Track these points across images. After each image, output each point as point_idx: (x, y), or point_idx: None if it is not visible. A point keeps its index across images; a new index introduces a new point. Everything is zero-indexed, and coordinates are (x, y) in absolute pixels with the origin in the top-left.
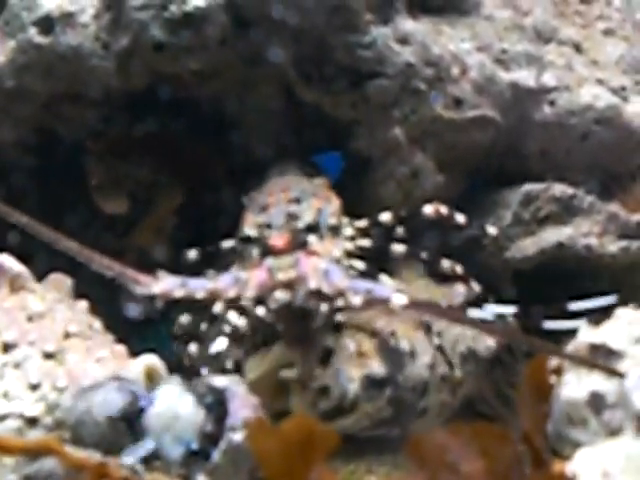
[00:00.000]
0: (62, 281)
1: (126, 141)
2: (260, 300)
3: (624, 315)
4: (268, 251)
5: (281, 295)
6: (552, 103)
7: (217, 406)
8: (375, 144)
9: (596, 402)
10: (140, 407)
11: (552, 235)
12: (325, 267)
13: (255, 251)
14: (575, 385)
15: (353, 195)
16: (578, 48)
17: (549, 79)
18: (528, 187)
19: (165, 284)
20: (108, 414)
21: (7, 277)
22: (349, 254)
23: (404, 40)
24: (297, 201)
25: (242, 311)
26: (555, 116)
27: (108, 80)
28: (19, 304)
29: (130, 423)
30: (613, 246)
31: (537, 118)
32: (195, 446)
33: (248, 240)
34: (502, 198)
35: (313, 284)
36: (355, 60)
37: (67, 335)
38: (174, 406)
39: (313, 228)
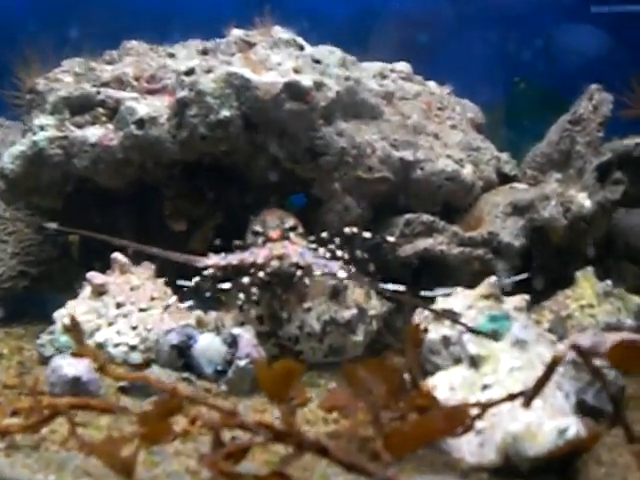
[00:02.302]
0: (149, 266)
1: (184, 189)
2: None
3: (460, 292)
4: (268, 239)
5: (275, 263)
6: (422, 169)
7: (233, 344)
8: (324, 191)
9: (445, 341)
10: (190, 343)
11: (421, 243)
12: (300, 250)
13: (260, 240)
14: (434, 331)
15: (311, 219)
16: (437, 137)
17: (420, 155)
18: (408, 216)
19: (213, 259)
20: (172, 344)
21: (118, 265)
22: None
23: (340, 134)
24: (282, 219)
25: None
26: (423, 176)
27: (174, 155)
28: (125, 280)
29: (183, 351)
30: (455, 250)
31: (413, 177)
32: (220, 367)
33: (256, 234)
34: (394, 221)
35: (294, 259)
36: (314, 145)
37: (152, 298)
38: (209, 343)
39: (293, 229)
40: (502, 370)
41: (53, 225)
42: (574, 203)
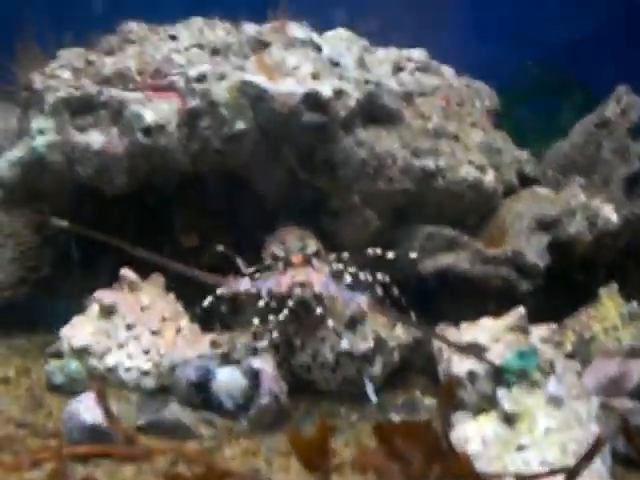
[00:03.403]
0: (158, 279)
1: (195, 201)
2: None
3: (485, 322)
4: (289, 264)
5: (298, 291)
6: (444, 177)
7: (254, 378)
8: (342, 204)
9: (471, 376)
10: (209, 378)
11: (443, 260)
12: (324, 279)
13: (280, 265)
14: (459, 364)
15: (329, 232)
16: (457, 138)
17: (441, 163)
18: (429, 229)
19: (244, 284)
20: (190, 381)
21: (127, 282)
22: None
23: (360, 144)
24: (301, 239)
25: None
26: (445, 185)
27: (185, 167)
28: (135, 299)
29: (202, 387)
30: (478, 269)
31: (435, 186)
32: (240, 401)
33: (276, 258)
34: (414, 233)
35: (317, 289)
36: (333, 157)
37: (164, 319)
38: (229, 378)
39: (317, 254)
40: (538, 430)
41: (64, 223)
42: (600, 217)
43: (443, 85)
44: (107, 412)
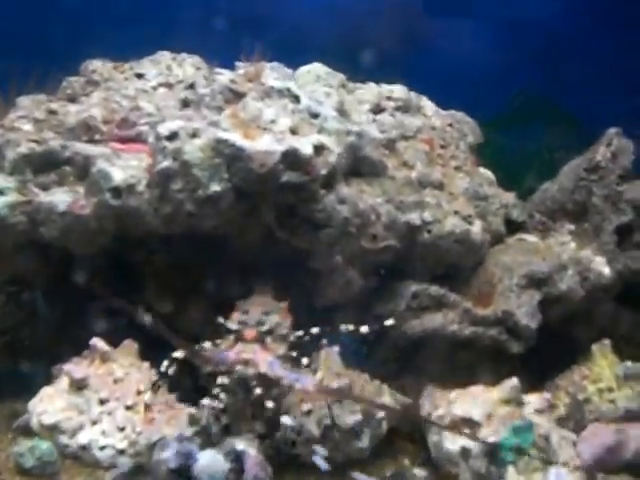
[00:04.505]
0: (132, 346)
1: (168, 263)
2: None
3: (478, 394)
4: (240, 339)
5: (240, 369)
6: (429, 232)
7: (237, 462)
8: (324, 265)
9: (465, 453)
10: (189, 463)
11: (430, 321)
12: (270, 360)
13: (232, 337)
14: (451, 441)
15: (312, 293)
16: (441, 186)
17: (427, 216)
18: (415, 287)
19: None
20: (170, 467)
21: (99, 353)
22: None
23: (342, 201)
24: (266, 314)
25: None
26: (430, 239)
27: (156, 228)
28: (107, 371)
29: (182, 473)
30: (467, 331)
31: (420, 241)
32: None
33: (229, 331)
34: (399, 290)
35: (262, 368)
36: (314, 217)
37: (139, 392)
38: (211, 462)
39: (270, 332)
40: None
41: (148, 318)
42: (592, 271)
43: (425, 126)
44: None
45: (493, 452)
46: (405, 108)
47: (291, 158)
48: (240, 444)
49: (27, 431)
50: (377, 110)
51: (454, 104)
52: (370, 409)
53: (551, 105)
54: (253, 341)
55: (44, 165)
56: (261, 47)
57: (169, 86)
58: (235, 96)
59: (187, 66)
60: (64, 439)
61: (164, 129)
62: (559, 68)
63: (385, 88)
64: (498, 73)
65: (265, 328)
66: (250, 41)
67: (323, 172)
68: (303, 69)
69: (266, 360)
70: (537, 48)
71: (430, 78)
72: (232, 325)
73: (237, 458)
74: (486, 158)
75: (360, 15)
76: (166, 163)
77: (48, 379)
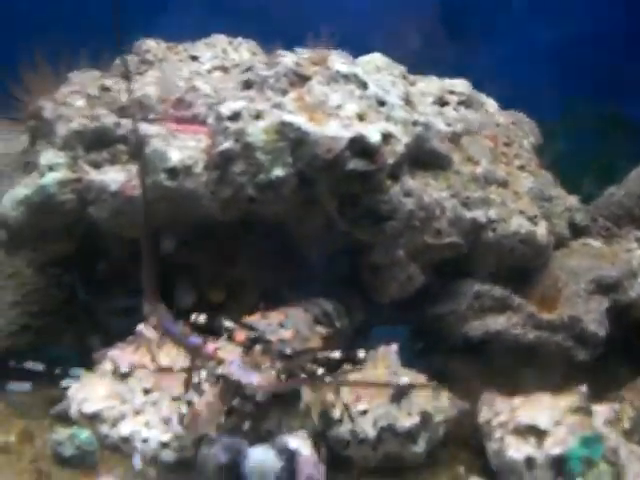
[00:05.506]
0: None
1: (222, 251)
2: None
3: (544, 401)
4: (230, 338)
5: (210, 365)
6: (494, 230)
7: (290, 461)
8: (385, 258)
9: (529, 463)
10: (239, 460)
11: (493, 323)
12: (232, 359)
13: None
14: (516, 449)
15: (369, 287)
16: (505, 183)
17: (492, 214)
18: (478, 287)
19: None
20: (219, 463)
21: (145, 340)
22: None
23: (407, 193)
24: (281, 326)
25: None
26: (495, 238)
27: (213, 213)
28: (153, 360)
29: (232, 470)
30: (531, 335)
31: (484, 240)
32: None
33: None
34: (460, 289)
35: (226, 370)
36: (378, 209)
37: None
38: (262, 459)
39: (267, 343)
40: None
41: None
42: None
43: (489, 122)
44: None
45: (560, 463)
46: (468, 103)
47: (358, 145)
48: (293, 442)
49: (65, 418)
50: (441, 103)
51: (509, 107)
52: (427, 411)
53: (610, 111)
54: (241, 344)
55: (96, 142)
56: (326, 33)
57: (225, 70)
58: (300, 79)
59: (243, 50)
60: (104, 429)
61: (226, 109)
62: (618, 73)
63: (447, 82)
64: (556, 76)
65: (268, 338)
66: (300, 32)
67: (390, 162)
68: (363, 59)
69: (229, 360)
70: (596, 53)
71: (485, 79)
72: (228, 323)
73: (290, 457)
74: (543, 162)
75: (412, 10)
76: (227, 144)
77: (86, 364)
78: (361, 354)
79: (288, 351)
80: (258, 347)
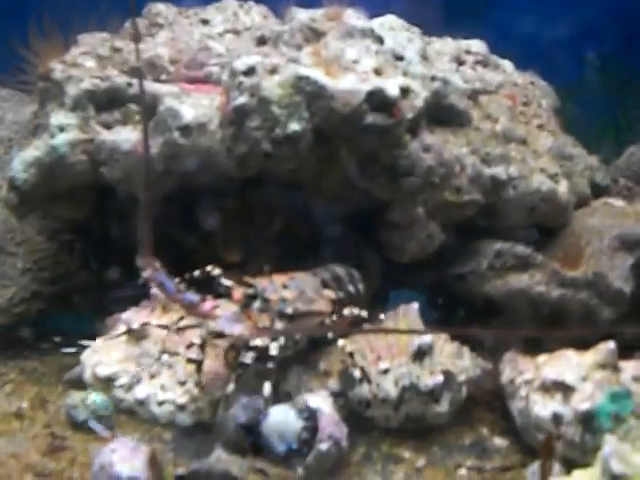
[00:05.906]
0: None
1: (238, 209)
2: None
3: (571, 357)
4: (228, 295)
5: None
6: (515, 188)
7: (311, 420)
8: (404, 216)
9: (556, 419)
10: (259, 419)
11: (516, 281)
12: (222, 313)
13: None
14: (542, 406)
15: (388, 246)
16: (525, 142)
17: (513, 171)
18: (499, 246)
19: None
20: (239, 422)
21: (159, 302)
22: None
23: (426, 149)
24: (285, 287)
25: None
26: (516, 196)
27: (228, 172)
28: (169, 321)
29: (251, 429)
30: (555, 293)
31: (504, 197)
32: (295, 446)
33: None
34: (481, 249)
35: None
36: (397, 165)
37: (203, 345)
38: (282, 418)
39: (254, 298)
40: None
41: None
42: None
43: (507, 82)
44: None
45: (588, 419)
46: (485, 63)
47: (376, 99)
48: (314, 401)
49: (79, 384)
50: (458, 62)
51: (526, 69)
52: (450, 370)
53: (629, 71)
54: (238, 303)
55: (108, 102)
56: None
57: (236, 33)
58: (315, 35)
59: (254, 14)
60: (120, 393)
61: (241, 64)
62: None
63: (463, 42)
64: (573, 37)
65: (268, 296)
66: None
67: (409, 116)
68: (376, 21)
69: (221, 315)
70: (615, 11)
71: (500, 41)
72: (226, 282)
73: (311, 416)
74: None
75: None
76: (242, 99)
77: (97, 331)
78: (381, 316)
79: (289, 310)
80: (256, 304)
